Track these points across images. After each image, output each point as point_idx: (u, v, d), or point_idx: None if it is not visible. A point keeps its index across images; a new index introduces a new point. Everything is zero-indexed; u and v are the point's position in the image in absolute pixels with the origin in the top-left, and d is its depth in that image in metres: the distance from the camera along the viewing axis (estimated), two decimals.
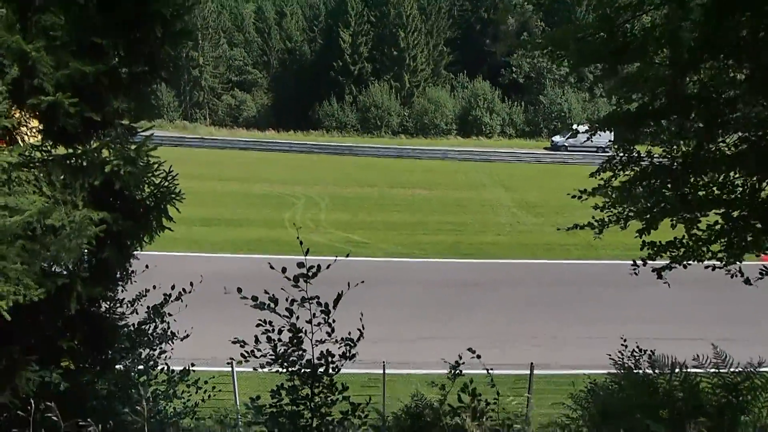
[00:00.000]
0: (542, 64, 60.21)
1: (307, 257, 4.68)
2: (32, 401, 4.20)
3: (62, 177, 4.66)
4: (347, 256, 5.61)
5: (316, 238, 25.09)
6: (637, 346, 6.68)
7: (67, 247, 4.44)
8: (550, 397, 10.65)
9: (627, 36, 6.63)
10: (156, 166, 5.14)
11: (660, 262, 7.41)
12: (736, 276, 7.19)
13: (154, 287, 6.66)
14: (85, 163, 4.79)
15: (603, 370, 6.72)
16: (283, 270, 4.67)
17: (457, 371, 5.03)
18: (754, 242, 6.91)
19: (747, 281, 7.13)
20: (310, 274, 4.70)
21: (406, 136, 60.23)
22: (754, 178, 6.84)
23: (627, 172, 7.50)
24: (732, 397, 4.76)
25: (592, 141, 8.28)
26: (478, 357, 5.03)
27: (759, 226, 6.84)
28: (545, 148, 54.04)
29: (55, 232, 4.50)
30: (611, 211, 7.56)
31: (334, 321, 4.75)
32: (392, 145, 54.25)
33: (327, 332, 4.77)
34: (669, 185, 7.14)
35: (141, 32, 4.88)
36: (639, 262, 7.45)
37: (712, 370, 5.19)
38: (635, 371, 6.08)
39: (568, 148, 49.81)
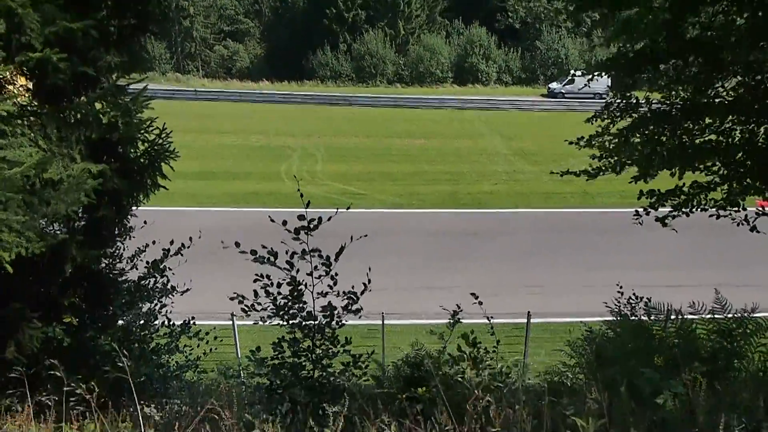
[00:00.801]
0: (539, 9, 59.22)
1: (306, 210, 4.67)
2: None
3: (57, 130, 4.61)
4: (348, 208, 5.60)
5: (313, 189, 25.05)
6: (634, 293, 6.74)
7: (67, 200, 4.43)
8: (546, 345, 10.82)
9: None
10: (149, 122, 5.09)
11: (662, 211, 7.42)
12: (742, 224, 7.21)
13: (153, 242, 6.67)
14: (79, 116, 4.73)
15: (599, 317, 6.80)
16: (284, 223, 4.66)
17: (456, 319, 5.09)
18: (753, 187, 6.92)
19: (753, 228, 7.16)
20: (311, 226, 4.69)
21: (402, 85, 59.59)
22: (752, 124, 6.80)
23: (624, 119, 7.44)
24: (726, 343, 4.82)
25: (590, 87, 8.20)
26: (480, 303, 5.08)
27: (756, 171, 6.83)
28: (542, 95, 53.57)
29: (53, 186, 4.48)
30: (608, 160, 7.53)
31: (336, 274, 4.77)
32: (388, 95, 53.73)
33: (329, 285, 4.79)
34: (667, 132, 7.10)
35: None
36: (641, 210, 7.45)
37: (708, 316, 5.26)
38: (631, 318, 6.15)
39: (566, 95, 49.43)
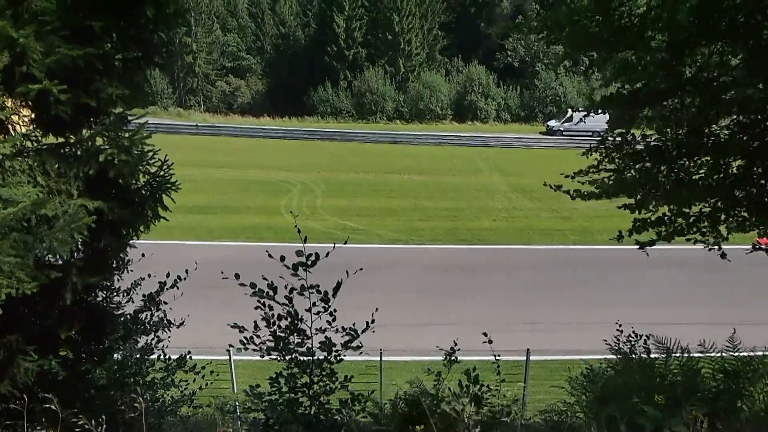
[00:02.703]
0: (537, 48, 60.03)
1: (303, 245, 4.65)
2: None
3: (56, 166, 4.61)
4: (345, 243, 5.59)
5: (313, 224, 25.07)
6: (633, 331, 6.70)
7: (61, 238, 4.40)
8: (546, 383, 10.70)
9: (623, 19, 6.60)
10: (151, 154, 5.10)
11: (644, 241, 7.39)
12: (713, 250, 7.18)
13: (149, 276, 6.65)
14: (79, 152, 4.74)
15: (600, 355, 6.75)
16: (282, 258, 4.65)
17: (453, 357, 5.05)
18: (747, 223, 6.92)
19: (723, 255, 7.12)
20: (309, 262, 4.68)
21: (402, 122, 60.12)
22: (748, 163, 6.84)
23: (619, 156, 7.47)
24: (731, 383, 4.78)
25: (584, 122, 8.26)
26: (490, 342, 5.05)
27: (752, 208, 6.85)
28: (540, 133, 53.99)
29: (49, 223, 4.46)
30: (602, 188, 7.53)
31: (335, 310, 4.74)
32: (388, 131, 54.15)
33: (327, 321, 4.76)
34: (663, 170, 7.13)
35: (133, 15, 4.80)
36: (625, 233, 7.41)
37: (712, 354, 5.22)
38: (631, 356, 6.11)
39: (564, 133, 49.80)
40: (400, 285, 18.96)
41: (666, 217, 7.25)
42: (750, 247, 7.21)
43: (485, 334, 5.08)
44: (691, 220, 7.14)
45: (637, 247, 7.34)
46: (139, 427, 3.72)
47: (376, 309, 4.77)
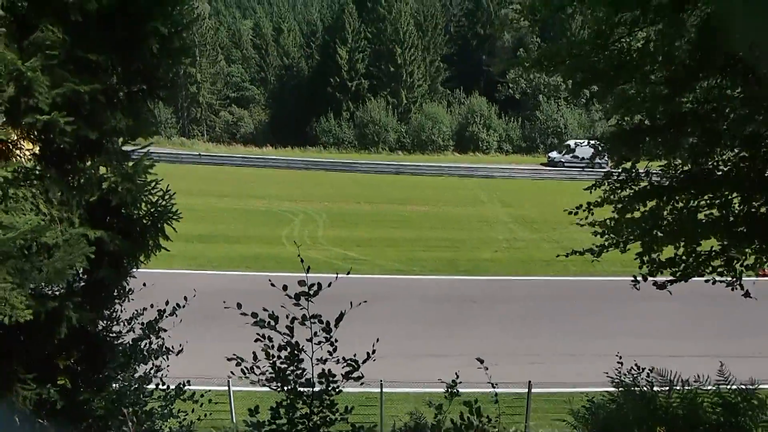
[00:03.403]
0: (538, 80, 60.58)
1: (303, 274, 4.65)
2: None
3: (59, 194, 4.64)
4: (348, 273, 5.60)
5: (314, 254, 25.04)
6: (635, 364, 6.66)
7: (59, 267, 4.40)
8: (547, 415, 10.61)
9: (623, 53, 6.68)
10: (153, 184, 5.13)
11: (661, 278, 7.42)
12: (736, 289, 7.20)
13: (152, 306, 6.63)
14: (82, 180, 4.77)
15: (600, 387, 6.70)
16: (284, 288, 4.64)
17: (454, 390, 5.01)
18: (753, 260, 6.94)
19: (747, 294, 7.14)
20: (311, 292, 4.67)
21: (404, 152, 60.44)
22: (751, 197, 6.86)
23: (624, 193, 7.51)
24: (731, 417, 4.75)
25: (581, 158, 8.34)
26: (486, 369, 5.02)
27: (756, 244, 6.86)
28: (542, 164, 54.18)
29: (48, 252, 4.46)
30: (610, 237, 7.59)
31: (336, 340, 4.72)
32: (390, 161, 54.37)
33: (328, 351, 4.74)
34: (667, 207, 7.17)
35: (139, 50, 4.86)
36: (639, 278, 7.46)
37: (711, 387, 5.19)
38: (633, 388, 6.07)
39: (565, 164, 49.95)
40: (400, 315, 18.87)
41: (677, 257, 7.28)
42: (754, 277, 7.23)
43: (480, 361, 5.04)
44: (701, 259, 7.16)
45: (655, 287, 7.37)
46: None
47: (377, 339, 4.75)
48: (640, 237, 7.35)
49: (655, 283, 7.40)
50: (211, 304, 6.81)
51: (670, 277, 7.36)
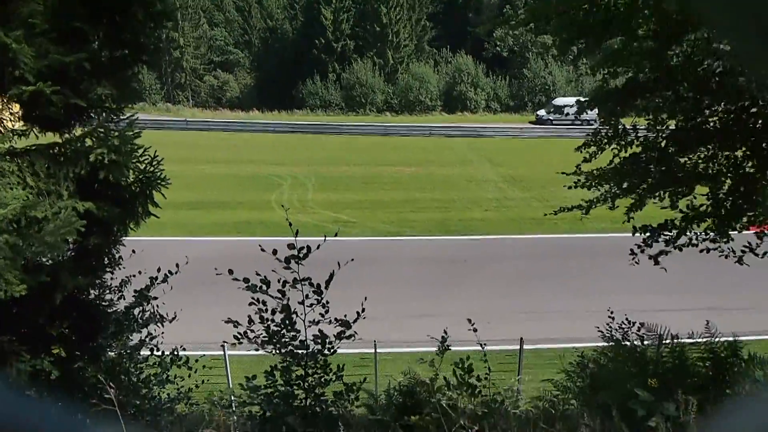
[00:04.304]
0: (525, 38, 60.06)
1: (296, 238, 4.67)
2: None
3: (46, 167, 4.61)
4: (336, 235, 5.61)
5: (304, 218, 25.04)
6: (626, 318, 6.75)
7: (51, 241, 4.39)
8: (539, 372, 10.76)
9: (610, 9, 6.61)
10: (141, 152, 5.09)
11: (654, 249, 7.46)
12: (730, 256, 7.23)
13: (140, 272, 6.64)
14: (69, 153, 4.73)
15: (592, 342, 6.79)
16: (274, 252, 4.66)
17: (446, 346, 5.08)
18: (739, 215, 6.97)
19: (740, 260, 7.16)
20: (300, 255, 4.69)
21: (391, 114, 60.05)
22: (738, 152, 6.87)
23: (613, 147, 7.50)
24: (719, 370, 4.84)
25: (578, 118, 8.32)
26: (475, 330, 5.08)
27: (742, 199, 6.89)
28: (530, 122, 54.06)
29: (38, 225, 4.44)
30: (598, 190, 7.59)
31: (327, 302, 4.76)
32: (377, 123, 54.01)
33: (320, 313, 4.78)
34: (656, 161, 7.17)
35: (122, 16, 4.79)
36: (635, 249, 7.49)
37: (700, 340, 5.27)
38: (624, 343, 6.16)
39: (554, 122, 49.87)
40: (392, 277, 18.99)
41: (668, 222, 7.29)
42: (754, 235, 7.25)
43: (470, 321, 5.11)
44: (692, 216, 7.16)
45: (650, 258, 7.39)
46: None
47: (365, 298, 4.79)
48: (628, 191, 7.36)
49: (649, 256, 7.42)
50: (202, 270, 6.81)
51: (663, 247, 7.38)
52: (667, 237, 7.31)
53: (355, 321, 4.88)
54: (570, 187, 7.71)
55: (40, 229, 4.38)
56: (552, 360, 10.95)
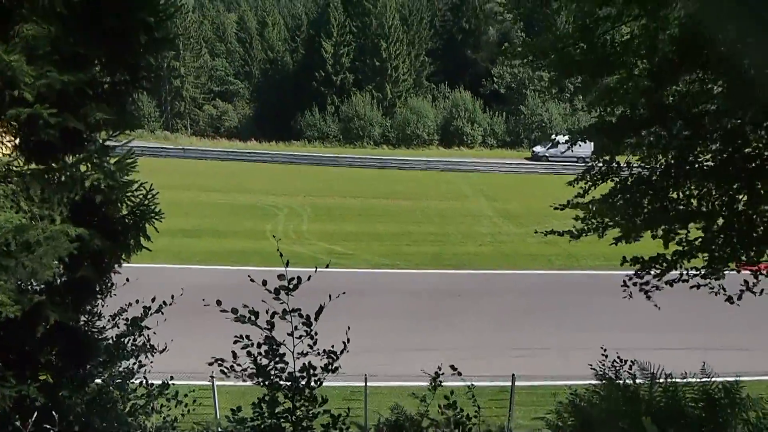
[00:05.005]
0: (523, 75, 60.67)
1: (289, 269, 4.63)
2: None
3: (40, 191, 4.58)
4: (327, 266, 5.58)
5: (299, 249, 25.02)
6: (618, 356, 6.71)
7: (43, 262, 4.36)
8: (531, 409, 10.68)
9: (607, 47, 6.70)
10: (136, 185, 5.08)
11: (647, 282, 7.43)
12: (720, 293, 7.20)
13: (137, 301, 6.55)
14: (63, 178, 4.71)
15: (584, 380, 6.74)
16: (264, 283, 4.63)
17: (437, 382, 5.03)
18: (732, 253, 6.96)
19: (729, 299, 7.14)
20: (290, 286, 4.66)
21: (389, 147, 60.38)
22: (732, 190, 6.90)
23: (606, 183, 7.54)
24: (713, 412, 4.79)
25: (572, 151, 8.36)
26: (459, 374, 5.03)
27: (735, 238, 6.90)
28: (526, 158, 54.38)
29: (29, 248, 4.41)
30: (590, 223, 7.61)
31: (316, 333, 4.71)
32: (374, 156, 54.27)
33: (309, 345, 4.73)
34: (649, 196, 7.19)
35: (125, 41, 4.81)
36: (628, 280, 7.48)
37: (694, 380, 5.23)
38: (617, 381, 6.11)
39: (549, 159, 50.14)
40: (386, 310, 18.90)
41: (659, 256, 7.28)
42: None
43: (453, 368, 5.06)
44: (684, 249, 7.15)
45: (640, 290, 7.38)
46: None
47: (348, 328, 4.76)
48: (620, 224, 7.37)
49: (641, 289, 7.41)
50: (194, 299, 6.77)
51: (656, 282, 7.36)
52: (659, 270, 7.30)
53: (341, 353, 4.83)
54: (557, 208, 7.73)
55: (30, 251, 4.35)
56: (544, 397, 10.86)
